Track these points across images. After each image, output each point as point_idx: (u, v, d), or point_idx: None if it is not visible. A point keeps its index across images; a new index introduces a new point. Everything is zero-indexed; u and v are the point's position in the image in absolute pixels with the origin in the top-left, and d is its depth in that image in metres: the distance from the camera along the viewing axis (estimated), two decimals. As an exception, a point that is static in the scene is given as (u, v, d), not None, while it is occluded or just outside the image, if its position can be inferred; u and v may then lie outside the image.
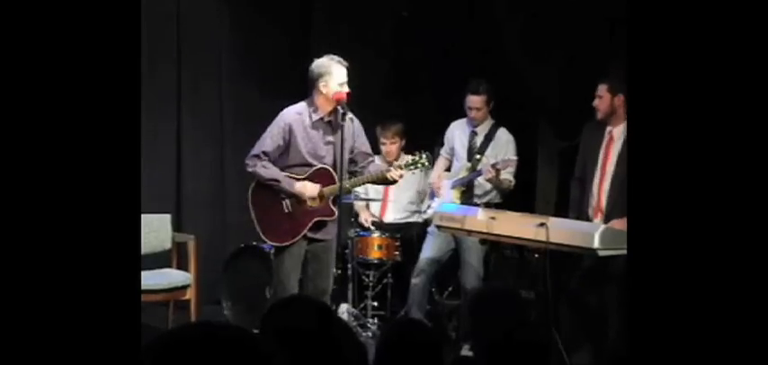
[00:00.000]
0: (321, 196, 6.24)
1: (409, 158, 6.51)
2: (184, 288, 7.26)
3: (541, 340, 3.91)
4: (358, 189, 7.91)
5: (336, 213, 6.32)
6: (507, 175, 7.09)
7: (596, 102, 6.45)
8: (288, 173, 6.31)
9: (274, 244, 6.49)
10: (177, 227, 7.98)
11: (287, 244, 6.34)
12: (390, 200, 8.20)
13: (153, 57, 8.25)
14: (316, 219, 6.29)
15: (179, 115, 8.53)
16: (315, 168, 6.28)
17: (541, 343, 3.86)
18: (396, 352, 3.35)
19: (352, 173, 6.44)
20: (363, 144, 6.54)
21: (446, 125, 7.57)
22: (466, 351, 6.77)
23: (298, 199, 6.29)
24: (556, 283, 6.38)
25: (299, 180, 6.28)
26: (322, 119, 6.28)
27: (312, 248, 6.40)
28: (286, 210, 6.31)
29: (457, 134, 7.41)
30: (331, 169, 6.26)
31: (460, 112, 7.35)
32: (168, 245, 7.57)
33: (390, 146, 7.99)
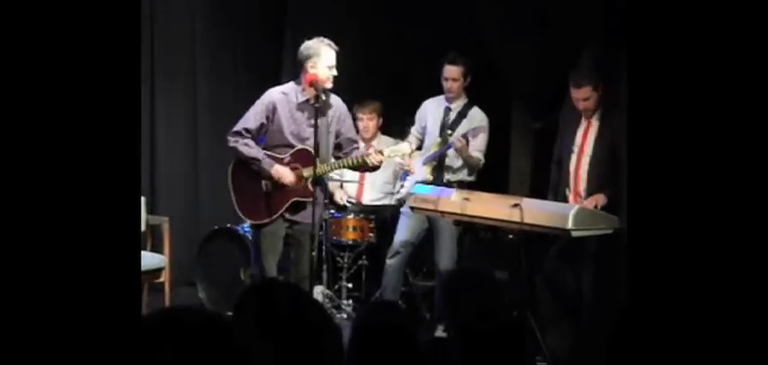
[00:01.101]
0: (299, 177, 6.23)
1: (392, 147, 6.53)
2: (159, 270, 7.24)
3: (515, 320, 3.93)
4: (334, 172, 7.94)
5: (315, 195, 6.31)
6: (477, 152, 7.10)
7: (583, 105, 6.43)
8: (269, 153, 6.30)
9: (251, 221, 6.49)
10: (151, 209, 7.95)
11: (263, 222, 6.33)
12: (366, 181, 8.20)
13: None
14: (293, 200, 6.28)
15: (152, 97, 8.49)
16: (296, 148, 6.27)
17: (515, 324, 3.87)
18: (370, 335, 3.34)
19: (337, 158, 6.44)
20: (349, 130, 6.56)
21: (417, 103, 7.55)
22: (440, 333, 6.79)
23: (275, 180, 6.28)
24: (530, 263, 6.41)
25: (278, 161, 6.26)
26: (308, 101, 6.26)
27: (293, 232, 6.40)
28: (264, 189, 6.30)
29: (430, 110, 7.39)
30: (312, 150, 6.25)
31: (434, 92, 7.34)
32: (142, 228, 7.54)
33: (368, 122, 7.99)
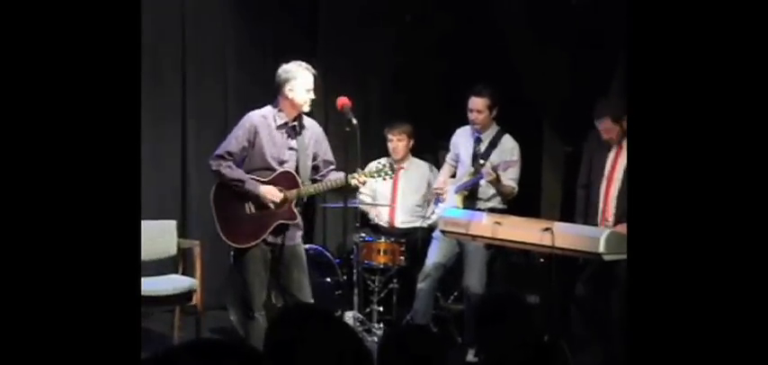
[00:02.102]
0: (285, 200, 6.21)
1: (374, 166, 6.57)
2: (190, 293, 7.26)
3: (546, 345, 3.91)
4: (365, 193, 7.94)
5: (298, 218, 6.30)
6: (509, 181, 7.08)
7: (607, 136, 6.44)
8: (253, 177, 6.27)
9: (235, 245, 6.39)
10: (182, 232, 7.97)
11: (248, 246, 6.28)
12: (398, 203, 8.20)
13: (158, 63, 8.26)
14: (278, 223, 6.28)
15: (184, 121, 8.53)
16: (278, 172, 6.26)
17: (547, 348, 3.86)
18: (395, 360, 3.33)
19: (313, 181, 6.43)
20: (326, 152, 6.51)
21: (450, 129, 7.56)
22: (471, 357, 6.77)
23: (260, 201, 6.27)
24: (561, 287, 6.39)
25: (263, 183, 6.26)
26: (286, 123, 6.27)
27: (279, 256, 6.35)
28: (248, 212, 6.27)
29: (461, 141, 7.39)
30: (294, 173, 6.25)
31: (465, 117, 7.34)
32: (174, 251, 7.57)
33: (397, 143, 8.00)
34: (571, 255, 6.02)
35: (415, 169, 8.23)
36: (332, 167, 6.51)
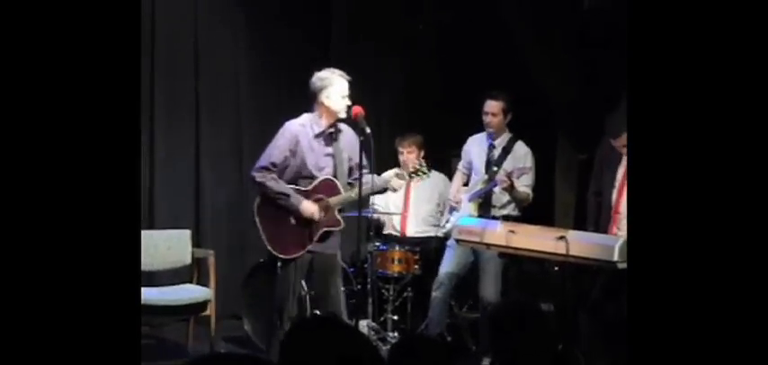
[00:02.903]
0: (327, 207, 6.23)
1: (410, 167, 6.58)
2: (204, 303, 7.27)
3: (561, 353, 3.90)
4: (378, 202, 7.93)
5: (342, 223, 6.36)
6: (524, 188, 7.08)
7: (626, 151, 6.41)
8: (295, 187, 6.32)
9: (281, 256, 6.43)
10: (196, 242, 7.99)
11: (294, 256, 6.34)
12: (410, 213, 8.21)
13: (171, 72, 8.28)
14: (323, 231, 6.30)
15: (197, 131, 8.55)
16: (319, 179, 6.30)
17: (561, 357, 3.85)
18: None
19: (349, 185, 6.45)
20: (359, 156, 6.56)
21: (462, 138, 7.56)
22: (486, 365, 6.77)
23: (301, 215, 6.29)
24: (576, 295, 6.37)
25: (304, 195, 6.29)
26: (324, 131, 6.30)
27: (316, 264, 6.41)
28: (293, 222, 6.31)
29: (474, 148, 7.40)
30: (334, 179, 6.27)
31: (478, 126, 7.34)
32: (188, 261, 7.57)
33: (408, 155, 7.99)
34: (585, 264, 6.01)
35: (427, 179, 8.23)
36: (365, 170, 6.54)
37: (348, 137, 6.46)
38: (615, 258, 5.78)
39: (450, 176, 7.94)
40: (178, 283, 7.40)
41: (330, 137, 6.34)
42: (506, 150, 7.24)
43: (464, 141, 7.54)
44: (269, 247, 6.42)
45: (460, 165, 7.55)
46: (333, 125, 6.32)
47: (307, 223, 6.29)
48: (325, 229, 6.30)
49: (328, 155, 6.33)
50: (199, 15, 8.50)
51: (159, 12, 8.11)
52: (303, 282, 6.94)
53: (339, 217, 6.33)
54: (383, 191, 6.62)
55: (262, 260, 7.75)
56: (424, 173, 6.54)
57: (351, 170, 6.49)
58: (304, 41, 9.07)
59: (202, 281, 7.57)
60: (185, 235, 7.65)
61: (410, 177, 6.50)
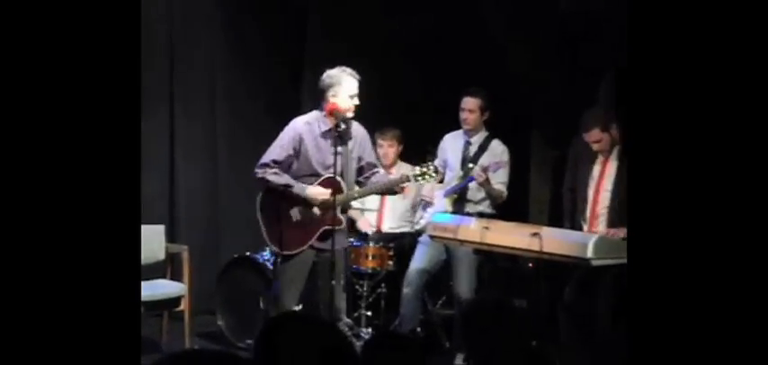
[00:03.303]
0: (329, 205, 6.23)
1: (418, 169, 6.46)
2: (178, 299, 7.25)
3: (535, 350, 3.92)
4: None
5: (344, 223, 6.37)
6: (499, 185, 7.09)
7: (597, 147, 6.43)
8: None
9: (282, 252, 6.48)
10: (171, 237, 7.95)
11: (294, 252, 6.36)
12: (386, 209, 8.20)
13: (145, 67, 8.13)
14: (324, 228, 6.30)
15: (172, 126, 8.53)
16: (323, 177, 6.30)
17: (535, 353, 3.86)
18: None
19: (359, 184, 6.48)
20: (370, 155, 6.61)
21: (437, 136, 7.56)
22: (460, 362, 6.78)
23: (307, 207, 6.29)
24: (549, 292, 6.39)
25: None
26: (331, 129, 6.29)
27: (320, 260, 6.43)
28: (294, 219, 6.32)
29: (450, 145, 7.41)
30: (339, 178, 6.28)
31: (454, 125, 7.35)
32: (162, 256, 7.54)
33: (388, 148, 7.99)
34: (559, 260, 6.03)
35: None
36: (375, 169, 6.55)
37: (357, 134, 6.47)
38: (589, 255, 5.80)
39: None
40: (152, 279, 7.37)
41: (339, 135, 6.32)
42: (482, 148, 7.25)
43: (440, 138, 7.54)
44: (269, 243, 6.49)
45: (436, 163, 7.53)
46: (337, 124, 6.31)
47: (309, 220, 6.30)
48: (326, 228, 6.29)
49: (337, 153, 6.30)
50: (174, 9, 8.47)
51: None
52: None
53: (341, 216, 6.32)
54: (390, 192, 6.57)
55: (236, 256, 7.75)
56: (432, 176, 6.46)
57: (361, 169, 6.51)
58: (279, 38, 9.06)
59: (176, 277, 7.55)
60: (159, 230, 7.61)
61: (416, 179, 6.44)
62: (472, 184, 7.07)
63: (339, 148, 6.31)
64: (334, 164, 6.19)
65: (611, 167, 6.44)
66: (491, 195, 7.11)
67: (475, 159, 7.18)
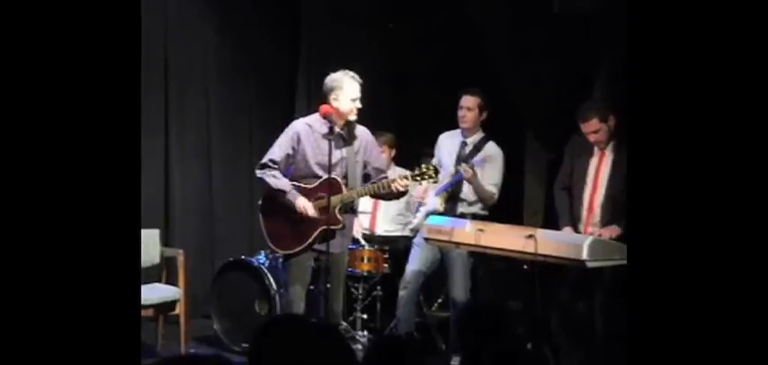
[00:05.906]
0: (326, 207, 6.23)
1: (416, 169, 6.45)
2: (173, 303, 7.26)
3: (530, 352, 3.93)
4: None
5: (344, 223, 6.38)
6: (490, 186, 7.08)
7: (594, 138, 6.42)
8: (296, 184, 6.37)
9: (281, 251, 6.56)
10: (166, 241, 7.96)
11: (293, 251, 6.39)
12: (380, 211, 8.20)
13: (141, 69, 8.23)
14: (322, 228, 6.30)
15: (167, 130, 8.52)
16: (323, 178, 6.31)
17: (530, 356, 3.87)
18: None
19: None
20: (377, 159, 6.62)
21: (433, 138, 7.56)
22: (455, 363, 6.77)
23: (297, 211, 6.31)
24: (544, 294, 6.39)
25: (305, 193, 6.32)
26: (333, 131, 6.29)
27: (322, 262, 6.44)
28: (293, 219, 6.34)
29: (445, 144, 7.39)
30: (339, 179, 6.29)
31: (450, 125, 7.35)
32: (157, 260, 7.54)
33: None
34: (554, 262, 6.03)
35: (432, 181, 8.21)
36: (383, 175, 6.54)
37: (363, 139, 6.50)
38: (584, 256, 5.80)
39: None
40: (147, 283, 7.36)
41: (342, 138, 6.34)
42: (477, 148, 7.23)
43: (435, 141, 7.53)
44: (269, 243, 6.54)
45: (433, 163, 7.52)
46: (344, 126, 6.33)
47: (305, 220, 6.31)
48: (326, 228, 6.29)
49: (339, 156, 6.32)
50: (168, 15, 8.46)
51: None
52: (272, 280, 7.15)
53: (340, 217, 6.32)
54: (390, 194, 6.54)
55: (231, 259, 7.75)
56: (431, 177, 6.43)
57: (368, 176, 6.52)
58: (274, 41, 9.06)
59: (172, 281, 7.55)
60: (154, 234, 7.61)
61: (414, 179, 6.43)
62: (466, 185, 7.06)
63: (343, 152, 6.33)
64: (329, 165, 6.19)
65: (606, 167, 6.43)
66: (481, 196, 7.09)
67: (469, 159, 7.16)
